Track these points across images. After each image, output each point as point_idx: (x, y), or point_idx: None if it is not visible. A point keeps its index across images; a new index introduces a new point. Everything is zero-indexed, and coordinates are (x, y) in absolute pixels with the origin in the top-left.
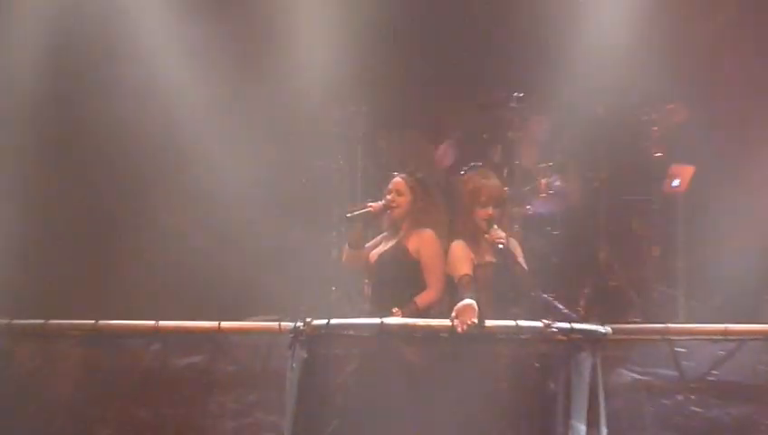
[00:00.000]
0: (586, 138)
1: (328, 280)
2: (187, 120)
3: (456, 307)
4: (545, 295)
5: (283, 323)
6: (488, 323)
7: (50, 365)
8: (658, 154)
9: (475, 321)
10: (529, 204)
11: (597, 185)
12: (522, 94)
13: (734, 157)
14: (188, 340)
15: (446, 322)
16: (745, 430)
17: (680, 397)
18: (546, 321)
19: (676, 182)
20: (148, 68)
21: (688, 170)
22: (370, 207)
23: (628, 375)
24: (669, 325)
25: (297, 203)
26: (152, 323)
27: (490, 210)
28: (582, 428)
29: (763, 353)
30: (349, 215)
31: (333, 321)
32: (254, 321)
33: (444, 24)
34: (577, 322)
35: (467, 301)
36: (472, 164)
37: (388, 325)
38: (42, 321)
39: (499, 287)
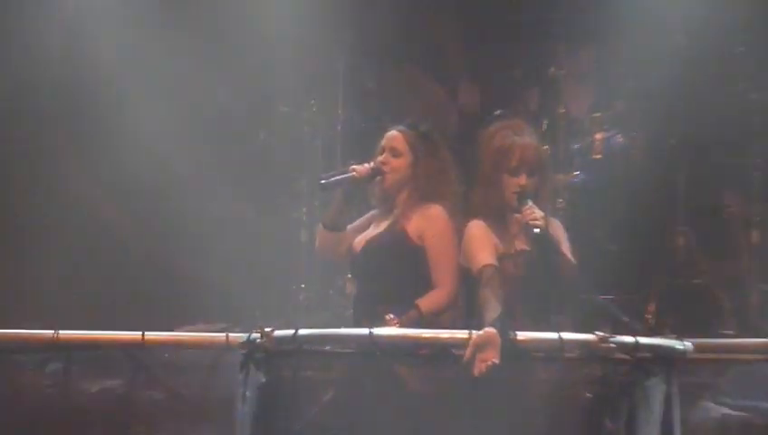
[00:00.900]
0: (658, 76)
1: (295, 274)
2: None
3: (473, 339)
4: (600, 298)
5: (231, 335)
6: (521, 335)
7: None
8: (756, 96)
9: (497, 362)
10: (578, 170)
11: (673, 142)
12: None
13: None
14: (101, 357)
15: (463, 333)
16: None
17: None
18: (601, 333)
19: None
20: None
21: None
22: (354, 170)
23: (716, 410)
24: None
25: (253, 167)
26: (50, 333)
27: (523, 179)
28: None
29: None
30: (323, 181)
31: (302, 331)
32: (191, 331)
33: None
34: (645, 335)
35: (489, 330)
36: (498, 112)
37: (380, 338)
38: None
39: (536, 287)
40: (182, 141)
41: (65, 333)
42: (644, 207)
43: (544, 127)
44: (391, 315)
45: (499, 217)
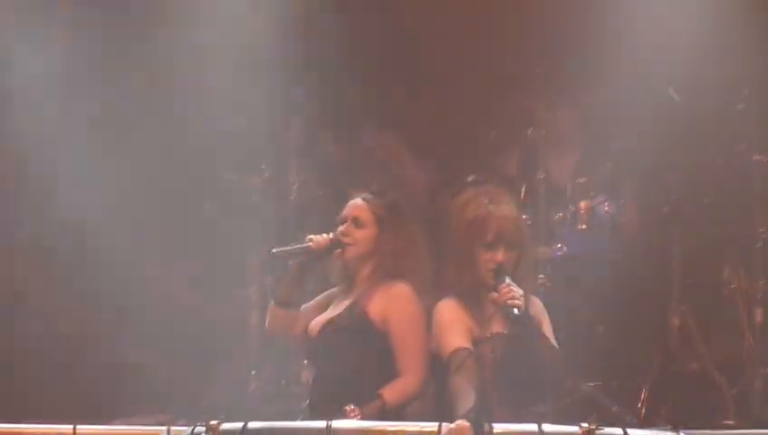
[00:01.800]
0: (649, 137)
1: (245, 361)
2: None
3: (444, 432)
4: (587, 386)
5: (173, 429)
6: (497, 427)
7: None
8: (760, 157)
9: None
10: (561, 242)
11: (667, 211)
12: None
13: None
14: None
15: (431, 426)
16: None
17: None
18: (587, 425)
19: None
20: None
21: None
22: (311, 241)
23: None
24: None
25: (197, 239)
26: None
27: (500, 254)
28: None
29: None
30: (275, 250)
31: (253, 424)
32: (128, 424)
33: None
34: (636, 426)
35: (461, 423)
36: (471, 178)
37: (340, 432)
38: None
39: (514, 373)
40: (119, 214)
41: None
42: (635, 284)
43: (522, 194)
44: (352, 406)
45: (473, 297)
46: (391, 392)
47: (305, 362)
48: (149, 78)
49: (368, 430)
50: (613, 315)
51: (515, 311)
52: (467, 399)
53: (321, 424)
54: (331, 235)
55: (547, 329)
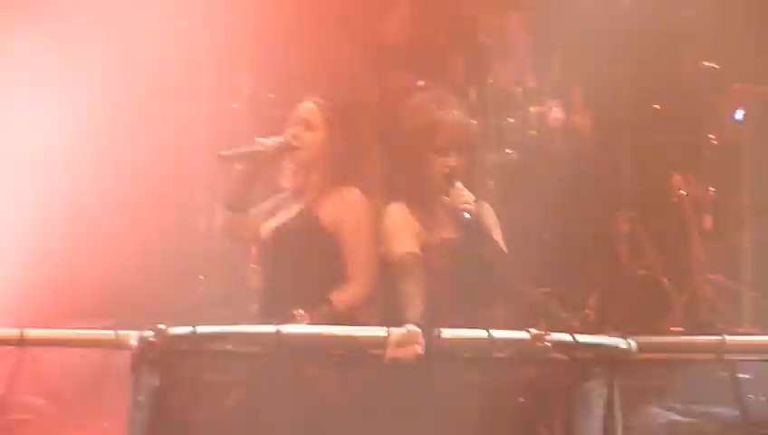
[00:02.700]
0: (599, 43)
1: (193, 264)
2: None
3: (392, 337)
4: (535, 291)
5: (121, 332)
6: (446, 333)
7: None
8: (710, 64)
9: (420, 351)
10: (511, 147)
11: (616, 118)
12: None
13: None
14: None
15: (381, 331)
16: None
17: None
18: (536, 331)
19: (739, 113)
20: None
21: (759, 94)
22: (260, 144)
23: (663, 416)
24: (728, 338)
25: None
26: None
27: (452, 159)
28: None
29: None
30: (224, 153)
31: (201, 329)
32: (76, 328)
33: None
34: (584, 332)
35: (410, 327)
36: (420, 83)
37: (289, 336)
38: None
39: (463, 279)
40: (77, 103)
41: None
42: (584, 190)
43: (472, 99)
44: (301, 311)
45: (422, 202)
46: (341, 297)
47: (254, 266)
48: None
49: (317, 335)
50: (562, 222)
51: (467, 215)
52: (415, 304)
53: (271, 329)
54: (280, 138)
55: (496, 234)
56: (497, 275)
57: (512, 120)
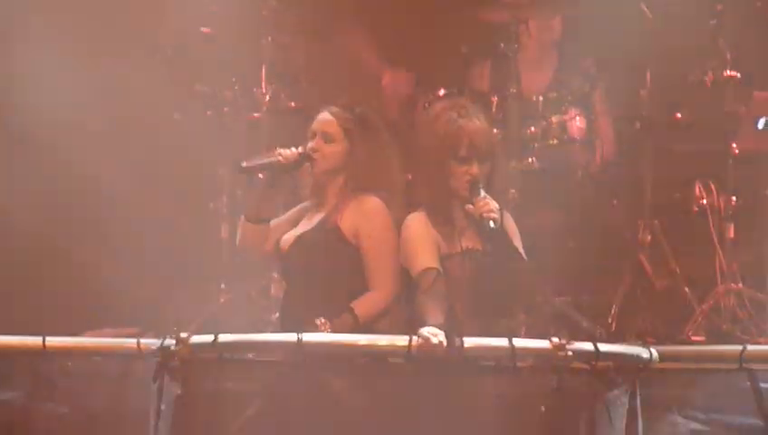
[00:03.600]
0: (622, 52)
1: (215, 274)
2: None
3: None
4: (557, 301)
5: (143, 341)
6: (468, 342)
7: None
8: (733, 73)
9: (444, 341)
10: (533, 156)
11: (639, 127)
12: None
13: None
14: None
15: (402, 339)
16: None
17: None
18: (558, 340)
19: (761, 122)
20: None
21: None
22: (280, 154)
23: (684, 425)
24: (750, 348)
25: (166, 153)
26: None
27: (474, 167)
28: None
29: None
30: (244, 164)
31: (223, 337)
32: (98, 337)
33: None
34: (606, 341)
35: (431, 330)
36: (443, 92)
37: (310, 345)
38: None
39: (485, 288)
40: (88, 125)
41: None
42: (606, 199)
43: (494, 108)
44: (322, 320)
45: (444, 211)
46: (362, 306)
47: (275, 275)
48: None
49: (338, 344)
50: (584, 230)
51: (491, 224)
52: (435, 320)
53: (292, 337)
54: (300, 148)
55: (518, 243)
56: (519, 285)
57: (532, 130)
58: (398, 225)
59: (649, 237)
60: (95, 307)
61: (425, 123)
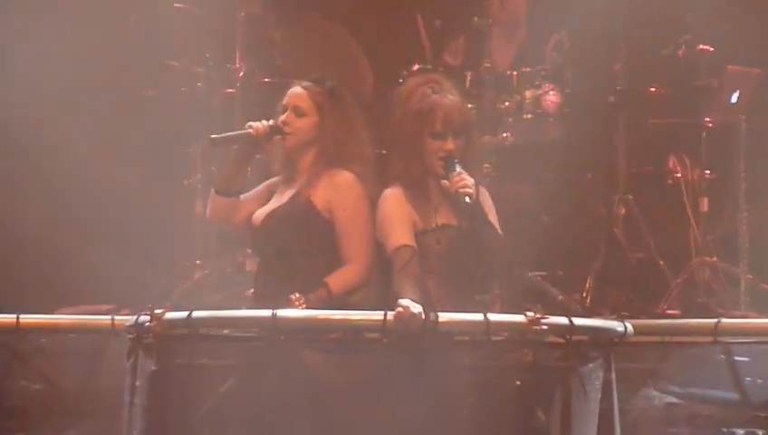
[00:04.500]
0: (595, 26)
1: (189, 250)
2: None
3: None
4: (531, 275)
5: (117, 318)
6: (443, 317)
7: None
8: (705, 47)
9: (422, 312)
10: (507, 131)
11: (612, 100)
12: None
13: None
14: None
15: (377, 314)
16: None
17: (741, 432)
18: (532, 314)
19: (735, 96)
20: None
21: (753, 75)
22: (250, 128)
23: (660, 399)
24: (724, 321)
25: (138, 129)
26: None
27: (449, 143)
28: None
29: None
30: (214, 136)
31: (197, 313)
32: (72, 314)
33: None
34: (580, 315)
35: (406, 303)
36: (417, 67)
37: (285, 320)
38: None
39: (460, 264)
40: (59, 101)
41: None
42: (580, 174)
43: (468, 82)
44: (297, 295)
45: (419, 187)
46: (336, 281)
47: (248, 250)
48: None
49: (313, 319)
50: (558, 205)
51: (467, 199)
52: (410, 294)
53: (267, 313)
54: (271, 121)
55: (493, 218)
56: (494, 259)
57: (506, 104)
58: (371, 200)
59: (624, 211)
60: (70, 285)
61: (398, 98)
